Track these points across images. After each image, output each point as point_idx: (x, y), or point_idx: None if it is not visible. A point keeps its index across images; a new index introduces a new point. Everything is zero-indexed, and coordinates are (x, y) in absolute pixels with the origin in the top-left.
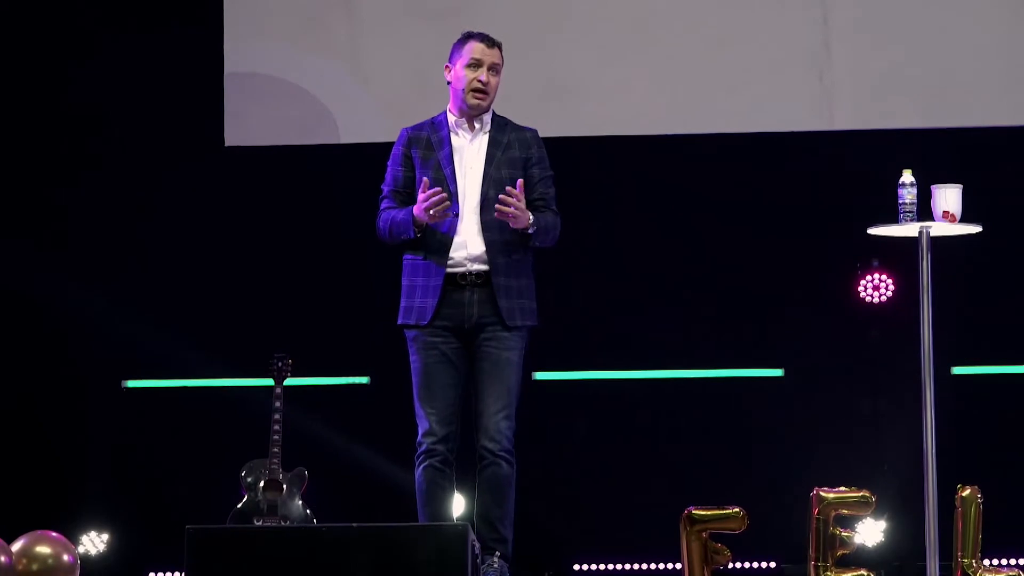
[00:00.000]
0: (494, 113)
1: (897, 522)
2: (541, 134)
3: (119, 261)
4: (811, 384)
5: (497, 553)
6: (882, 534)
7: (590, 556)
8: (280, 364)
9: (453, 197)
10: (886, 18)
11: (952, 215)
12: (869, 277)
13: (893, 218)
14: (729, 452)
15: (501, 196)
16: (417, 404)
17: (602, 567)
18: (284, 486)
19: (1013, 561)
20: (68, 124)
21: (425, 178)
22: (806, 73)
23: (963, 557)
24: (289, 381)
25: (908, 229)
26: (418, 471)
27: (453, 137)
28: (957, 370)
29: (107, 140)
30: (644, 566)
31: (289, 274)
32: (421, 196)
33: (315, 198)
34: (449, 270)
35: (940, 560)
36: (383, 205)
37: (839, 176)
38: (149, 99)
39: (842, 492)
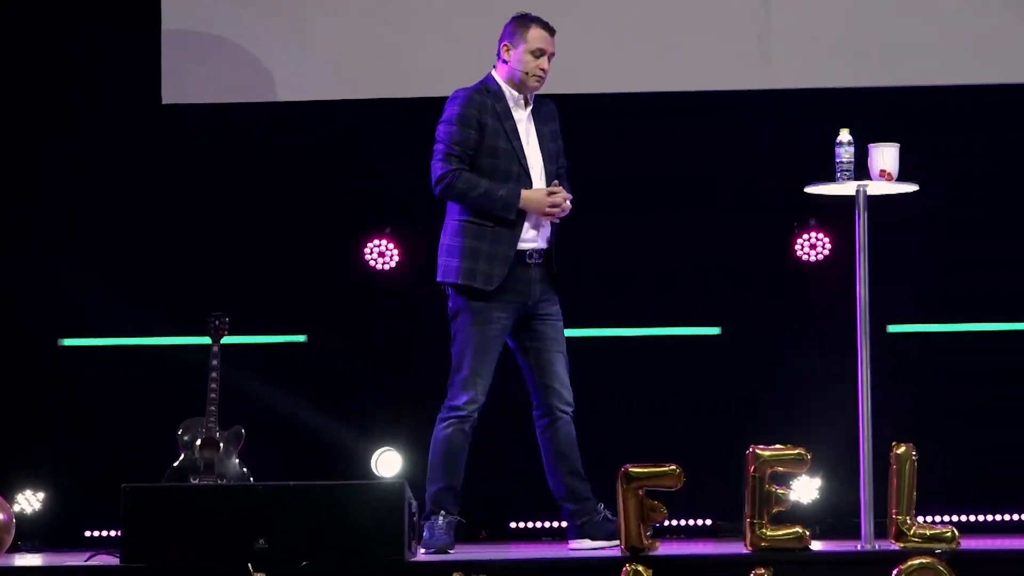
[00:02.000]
0: None
1: (832, 480)
2: None
3: (56, 219)
4: (748, 342)
5: (601, 504)
6: (817, 491)
7: (527, 515)
8: (217, 323)
9: (525, 171)
10: None
11: (889, 174)
12: (806, 236)
13: (830, 177)
14: (666, 410)
15: (562, 206)
16: (467, 369)
17: (539, 525)
18: (221, 444)
19: (947, 518)
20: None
21: (556, 181)
22: (744, 32)
23: (897, 515)
24: (226, 339)
25: (845, 188)
26: (448, 431)
27: (513, 111)
28: (892, 328)
29: (40, 97)
30: None
31: (226, 232)
32: (558, 198)
33: (252, 156)
34: (521, 245)
35: (875, 517)
36: (454, 164)
37: (776, 135)
38: (84, 56)
39: (778, 450)
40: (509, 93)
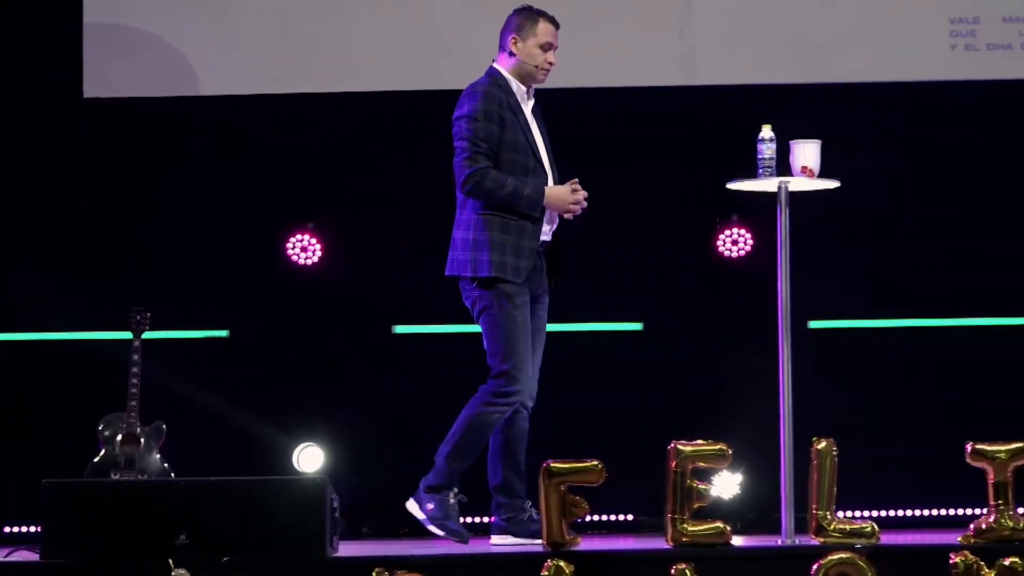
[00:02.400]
0: None
1: (753, 475)
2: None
3: None
4: (670, 338)
5: (530, 503)
6: (738, 487)
7: None
8: (138, 317)
9: (540, 164)
10: None
11: (810, 170)
12: (728, 231)
13: (752, 173)
14: (588, 406)
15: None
16: (518, 355)
17: (462, 521)
18: (142, 440)
19: (867, 513)
20: None
21: (576, 179)
22: (666, 28)
23: (818, 509)
24: (147, 334)
25: (766, 184)
26: (491, 414)
27: (522, 104)
28: (813, 324)
29: None
30: None
31: (147, 227)
32: (580, 195)
33: (173, 151)
34: (543, 237)
35: (795, 512)
36: (482, 163)
37: (699, 131)
38: (5, 49)
39: (699, 445)
40: (516, 86)
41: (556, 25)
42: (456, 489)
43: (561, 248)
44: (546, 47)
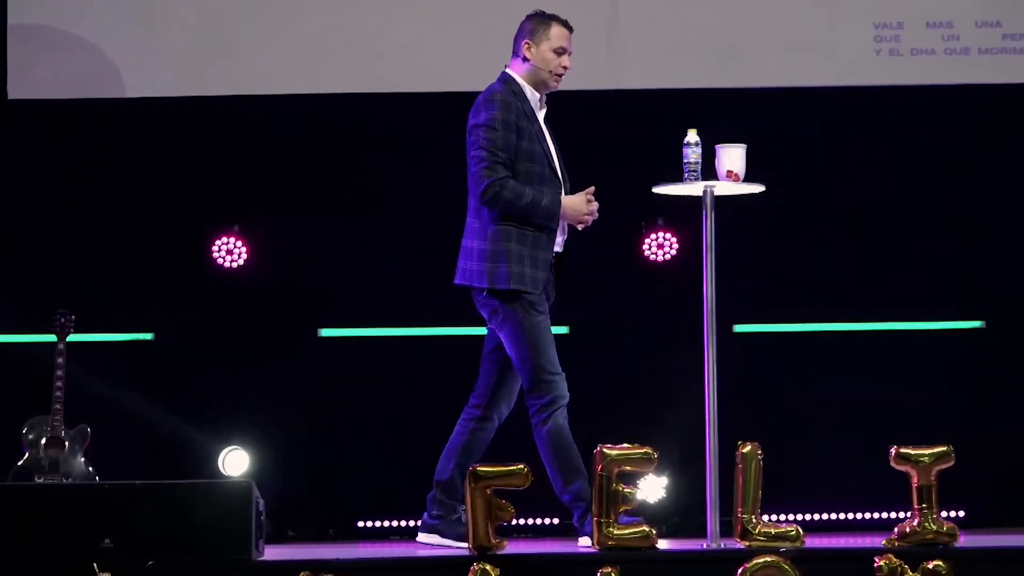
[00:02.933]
0: None
1: (679, 478)
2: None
3: None
4: (596, 341)
5: (463, 507)
6: (664, 490)
7: (374, 514)
8: (63, 320)
9: (555, 173)
10: None
11: (736, 174)
12: (654, 235)
13: (678, 177)
14: (514, 409)
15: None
16: (549, 365)
17: (386, 524)
18: (66, 443)
19: (792, 517)
20: None
21: (592, 187)
22: (593, 31)
23: (743, 513)
24: (72, 337)
25: (692, 188)
26: (555, 425)
27: (536, 111)
28: (739, 328)
29: None
30: None
31: (72, 229)
32: (594, 206)
33: (100, 152)
34: (556, 248)
35: (721, 516)
36: (502, 173)
37: (625, 135)
38: None
39: (625, 449)
40: (531, 93)
41: (570, 29)
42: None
43: (565, 258)
44: (560, 51)
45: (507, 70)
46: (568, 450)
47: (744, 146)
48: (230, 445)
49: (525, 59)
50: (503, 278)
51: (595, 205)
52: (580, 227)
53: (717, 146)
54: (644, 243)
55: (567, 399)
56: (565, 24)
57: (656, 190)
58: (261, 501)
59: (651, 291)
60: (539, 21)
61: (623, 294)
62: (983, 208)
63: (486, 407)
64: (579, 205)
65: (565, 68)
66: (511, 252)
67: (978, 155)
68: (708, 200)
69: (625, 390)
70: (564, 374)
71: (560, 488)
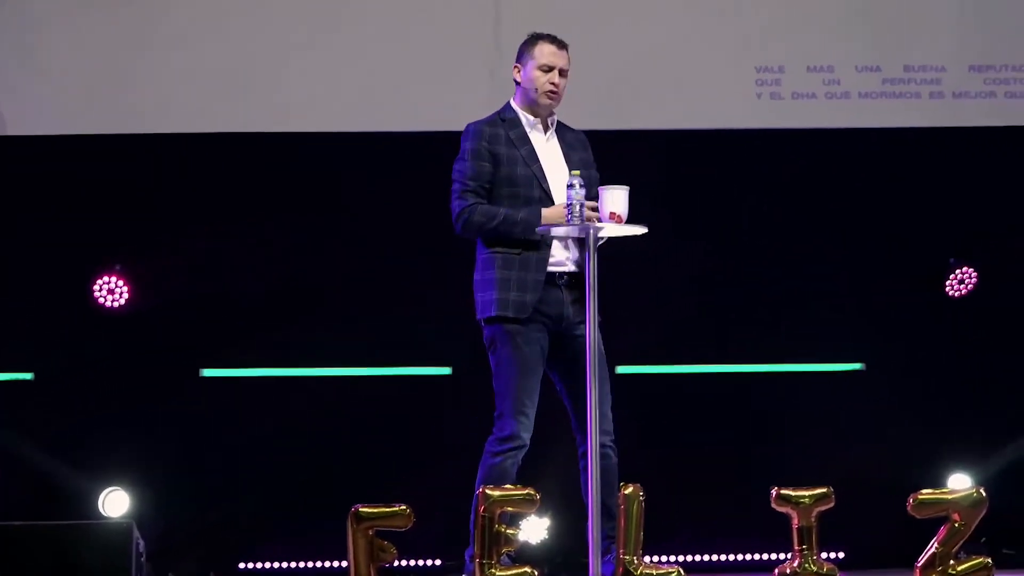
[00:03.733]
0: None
1: (561, 519)
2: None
3: None
4: (476, 382)
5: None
6: (546, 531)
7: (256, 555)
8: None
9: (547, 195)
10: (558, 16)
11: (619, 216)
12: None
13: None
14: (396, 450)
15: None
16: (514, 400)
17: (267, 566)
18: None
19: (674, 558)
20: None
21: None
22: (478, 70)
23: (625, 554)
24: None
25: (575, 229)
26: (499, 462)
27: (530, 134)
28: (621, 369)
29: None
30: (311, 564)
31: None
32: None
33: None
34: (550, 268)
35: (603, 556)
36: (471, 200)
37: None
38: None
39: (507, 490)
40: (525, 118)
41: (560, 45)
42: None
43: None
44: (546, 68)
45: (511, 99)
46: None
47: (627, 188)
48: (110, 486)
49: (517, 83)
50: (489, 305)
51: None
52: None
53: (600, 188)
54: None
55: (525, 447)
56: (553, 40)
57: (539, 230)
58: (141, 542)
59: None
60: (526, 42)
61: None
62: (862, 251)
63: (582, 436)
64: (561, 209)
65: (554, 85)
66: (497, 279)
67: (858, 198)
68: (590, 241)
69: None
70: (526, 423)
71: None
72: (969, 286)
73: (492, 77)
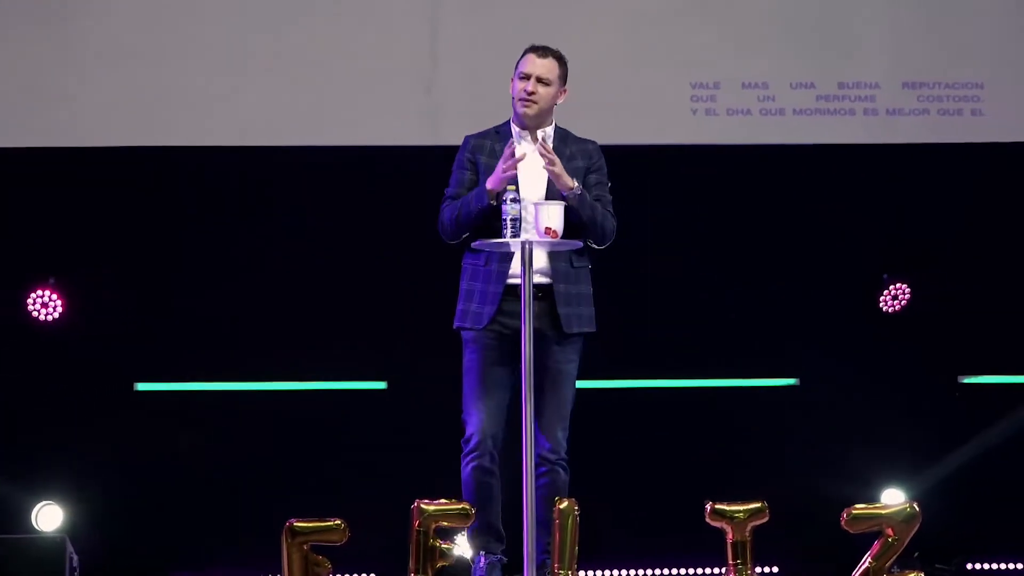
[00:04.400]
0: (556, 125)
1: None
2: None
3: None
4: (412, 397)
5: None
6: None
7: (190, 569)
8: None
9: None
10: (494, 34)
11: (554, 231)
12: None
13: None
14: (331, 464)
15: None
16: (469, 402)
17: None
18: None
19: (609, 572)
20: None
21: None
22: (413, 86)
23: (560, 568)
24: None
25: (511, 244)
26: (467, 470)
27: (517, 147)
28: None
29: None
30: None
31: None
32: (500, 164)
33: None
34: (510, 281)
35: (537, 572)
36: (444, 205)
37: (443, 190)
38: None
39: (442, 504)
40: (516, 132)
41: (541, 54)
42: (484, 552)
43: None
44: (523, 76)
45: None
46: (470, 504)
47: (562, 203)
48: (43, 500)
49: (512, 95)
50: (455, 316)
51: (509, 151)
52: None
53: (535, 203)
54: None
55: (489, 445)
56: (535, 49)
57: (475, 246)
58: (75, 557)
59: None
60: (520, 56)
61: (438, 349)
62: (796, 267)
63: (537, 456)
64: (496, 169)
65: (528, 93)
66: (463, 290)
67: (792, 213)
68: (525, 255)
69: (445, 445)
70: (486, 430)
71: None
72: (903, 302)
73: (428, 93)
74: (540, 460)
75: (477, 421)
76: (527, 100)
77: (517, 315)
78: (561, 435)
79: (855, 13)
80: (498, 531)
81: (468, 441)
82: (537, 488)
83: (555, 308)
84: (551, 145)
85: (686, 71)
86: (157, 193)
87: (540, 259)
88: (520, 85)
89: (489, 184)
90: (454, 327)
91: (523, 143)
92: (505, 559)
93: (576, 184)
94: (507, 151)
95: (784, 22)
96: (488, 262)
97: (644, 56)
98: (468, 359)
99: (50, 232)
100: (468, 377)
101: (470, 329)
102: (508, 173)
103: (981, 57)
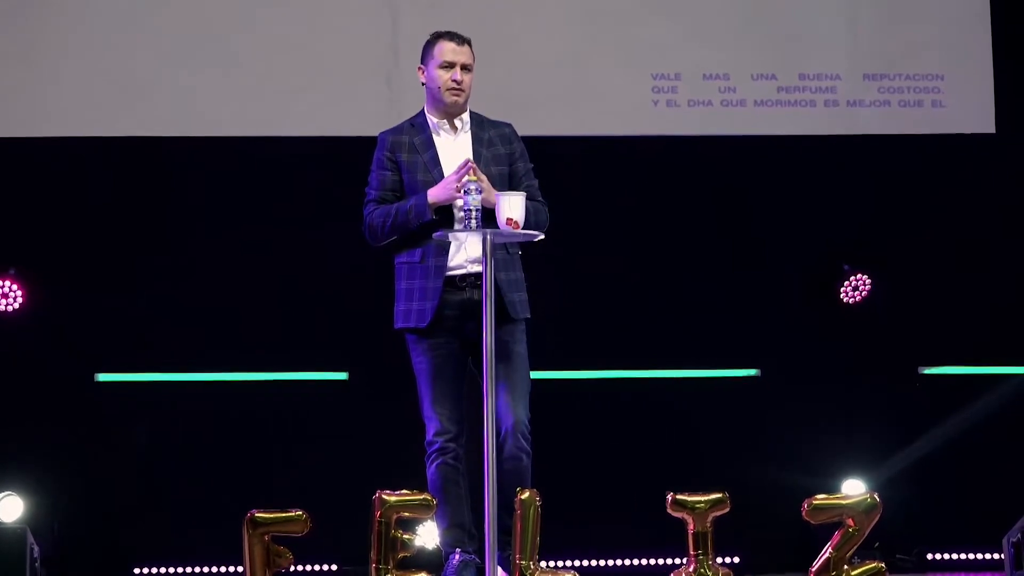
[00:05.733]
0: (470, 111)
1: None
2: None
3: None
4: (374, 388)
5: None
6: None
7: (151, 559)
8: None
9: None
10: (454, 25)
11: (515, 222)
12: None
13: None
14: (292, 455)
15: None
16: (427, 404)
17: (163, 570)
18: None
19: (571, 563)
20: None
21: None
22: (374, 77)
23: (521, 559)
24: None
25: (471, 235)
26: (431, 469)
27: (436, 138)
28: None
29: None
30: (207, 569)
31: None
32: (451, 175)
33: None
34: (449, 273)
35: (499, 562)
36: (369, 208)
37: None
38: None
39: (404, 495)
40: (432, 122)
41: (459, 42)
42: (457, 550)
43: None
44: (447, 66)
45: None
46: (440, 502)
47: (524, 194)
48: (4, 491)
49: (423, 84)
50: (396, 318)
51: (456, 175)
52: (464, 198)
53: (497, 193)
54: None
55: (450, 443)
56: (452, 37)
57: (436, 236)
58: (36, 547)
59: None
60: (427, 43)
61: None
62: (758, 257)
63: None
64: (445, 181)
65: (456, 82)
66: (401, 290)
67: (753, 204)
68: (487, 247)
69: (404, 436)
70: (446, 426)
71: None
72: (863, 293)
73: (389, 83)
74: (506, 435)
75: (437, 422)
76: (456, 89)
77: (459, 306)
78: (523, 413)
79: (816, 4)
80: (470, 529)
81: (431, 444)
82: (503, 472)
83: (499, 294)
84: (468, 130)
85: (647, 62)
86: (119, 184)
87: (476, 248)
88: (445, 75)
89: (433, 196)
90: (396, 328)
91: (442, 133)
92: (479, 560)
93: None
94: (460, 167)
95: (745, 13)
96: (424, 258)
97: (605, 48)
98: (417, 361)
99: (10, 223)
100: (421, 379)
101: (414, 331)
102: (452, 191)
103: (941, 49)
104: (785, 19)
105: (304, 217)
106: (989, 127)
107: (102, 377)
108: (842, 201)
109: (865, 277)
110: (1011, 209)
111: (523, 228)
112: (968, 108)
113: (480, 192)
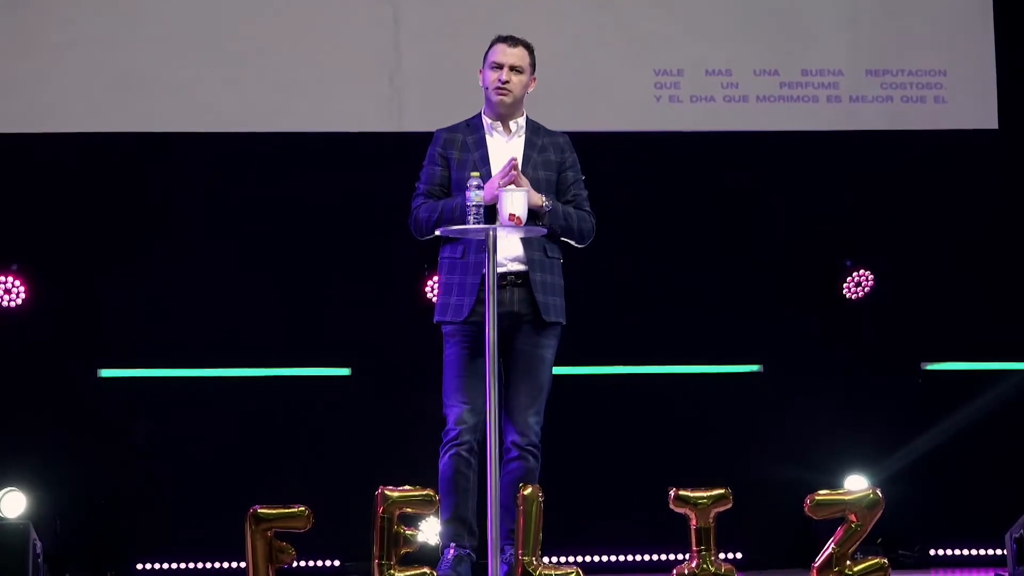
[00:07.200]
0: (528, 117)
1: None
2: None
3: None
4: (376, 384)
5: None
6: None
7: (154, 555)
8: None
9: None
10: (456, 22)
11: (518, 218)
12: (436, 278)
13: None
14: (295, 450)
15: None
16: (449, 393)
17: (165, 566)
18: None
19: (573, 559)
20: None
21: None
22: (376, 73)
23: (524, 555)
24: None
25: (475, 230)
26: (444, 458)
27: (488, 139)
28: None
29: None
30: (209, 565)
31: None
32: (496, 176)
33: None
34: (499, 268)
35: (501, 559)
36: (417, 202)
37: (406, 177)
38: None
39: (406, 491)
40: (487, 123)
41: (511, 43)
42: (453, 544)
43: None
44: (494, 67)
45: None
46: (446, 494)
47: (526, 190)
48: (7, 486)
49: (482, 86)
50: (437, 310)
51: (502, 173)
52: (503, 195)
53: (499, 190)
54: (427, 285)
55: (466, 435)
56: (505, 39)
57: (439, 232)
58: (38, 543)
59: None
60: (488, 48)
61: (405, 336)
62: (761, 253)
63: (504, 443)
64: (489, 183)
65: (502, 82)
66: (443, 284)
67: (756, 200)
68: (490, 243)
69: (407, 432)
70: (467, 420)
71: None
72: (866, 289)
73: (391, 81)
74: (510, 445)
75: (458, 412)
76: (502, 89)
77: (499, 304)
78: (533, 421)
79: (818, 0)
80: (470, 525)
81: (448, 432)
82: (506, 473)
83: (532, 295)
84: (523, 134)
85: (649, 58)
86: (121, 180)
87: (516, 247)
88: (493, 75)
89: (486, 197)
90: (435, 321)
91: (495, 134)
92: (475, 557)
93: (545, 201)
94: (505, 168)
95: (747, 9)
96: (465, 254)
97: (607, 43)
98: (449, 352)
99: (13, 218)
100: (449, 370)
101: (450, 323)
102: (495, 191)
103: (944, 45)
104: (787, 15)
105: (306, 213)
106: (992, 123)
107: (104, 373)
108: (844, 197)
109: (868, 273)
110: (1014, 204)
111: (564, 236)
112: (971, 104)
113: (481, 189)
